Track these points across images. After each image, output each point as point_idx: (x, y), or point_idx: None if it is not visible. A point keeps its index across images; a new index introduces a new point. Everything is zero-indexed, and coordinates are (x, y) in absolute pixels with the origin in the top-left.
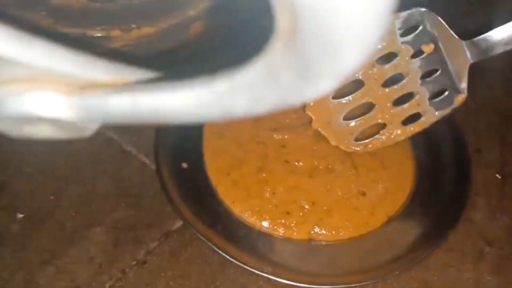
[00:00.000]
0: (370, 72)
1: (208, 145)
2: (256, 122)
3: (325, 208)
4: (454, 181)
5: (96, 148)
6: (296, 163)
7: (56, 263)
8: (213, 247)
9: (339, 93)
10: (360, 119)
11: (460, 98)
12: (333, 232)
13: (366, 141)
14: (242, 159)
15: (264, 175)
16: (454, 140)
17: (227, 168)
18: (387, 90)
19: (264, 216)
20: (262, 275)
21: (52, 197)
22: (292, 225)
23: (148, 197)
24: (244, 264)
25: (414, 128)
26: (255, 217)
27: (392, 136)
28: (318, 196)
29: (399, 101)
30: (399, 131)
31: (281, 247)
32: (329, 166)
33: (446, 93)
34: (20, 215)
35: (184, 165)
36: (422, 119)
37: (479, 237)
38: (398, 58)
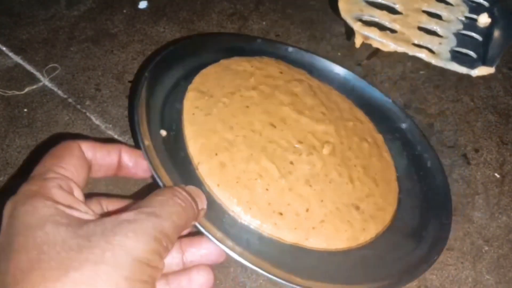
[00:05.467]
0: None
1: (191, 120)
2: (249, 109)
3: (318, 218)
4: (435, 206)
5: None
6: (293, 165)
7: None
8: (198, 227)
9: None
10: (381, 11)
11: (482, 69)
12: (324, 244)
13: (371, 27)
14: (233, 143)
15: (257, 167)
16: (434, 165)
17: (214, 148)
18: (423, 12)
19: (252, 209)
20: (262, 274)
21: None
22: (284, 227)
23: None
24: (227, 248)
25: (420, 52)
26: (243, 207)
27: (395, 41)
28: (314, 204)
29: (425, 31)
30: (404, 44)
31: (264, 242)
32: (327, 175)
33: (474, 56)
34: None
35: (163, 132)
36: (434, 55)
37: (478, 236)
38: (453, 6)
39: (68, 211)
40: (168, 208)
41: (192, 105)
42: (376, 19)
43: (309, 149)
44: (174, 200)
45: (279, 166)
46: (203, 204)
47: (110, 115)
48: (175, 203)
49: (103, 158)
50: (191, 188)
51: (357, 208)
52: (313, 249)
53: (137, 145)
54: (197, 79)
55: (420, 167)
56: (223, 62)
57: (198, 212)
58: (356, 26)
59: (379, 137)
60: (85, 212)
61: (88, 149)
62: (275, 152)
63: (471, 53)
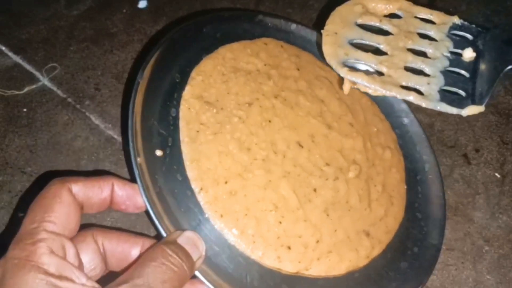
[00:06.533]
0: (405, 28)
1: (194, 138)
2: (271, 124)
3: (327, 248)
4: (428, 220)
5: (96, 147)
6: (316, 192)
7: None
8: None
9: (367, 22)
10: (367, 53)
11: (472, 108)
12: (324, 273)
13: (358, 73)
14: (248, 167)
15: (275, 197)
16: (433, 170)
17: (224, 174)
18: (408, 51)
19: (257, 242)
20: None
21: None
22: (287, 261)
23: None
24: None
25: (409, 95)
26: (245, 240)
27: (383, 86)
28: (326, 235)
29: (413, 71)
30: (392, 87)
31: (261, 273)
32: (348, 202)
33: (463, 95)
34: (21, 214)
35: (159, 152)
36: (423, 96)
37: (479, 236)
38: (437, 42)
39: (59, 283)
40: (161, 276)
41: (196, 119)
42: (362, 63)
43: (336, 173)
44: (167, 266)
45: (300, 194)
46: (201, 251)
47: (109, 115)
48: (167, 268)
49: (96, 196)
50: (187, 236)
51: (368, 234)
52: (309, 277)
53: (129, 166)
54: (197, 82)
55: (417, 171)
56: (222, 51)
57: (194, 265)
58: (343, 72)
59: (394, 137)
60: (78, 280)
61: (80, 190)
62: (299, 178)
63: (460, 91)
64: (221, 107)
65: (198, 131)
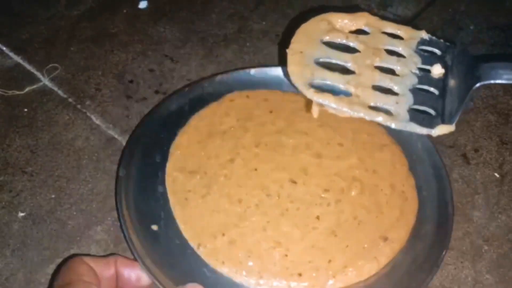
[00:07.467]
0: (373, 44)
1: (184, 204)
2: (258, 172)
3: (341, 264)
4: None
5: (97, 147)
6: (319, 220)
7: (57, 262)
8: None
9: (334, 39)
10: (333, 73)
11: (442, 128)
12: (341, 286)
13: (324, 94)
14: (243, 216)
15: (276, 234)
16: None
17: (219, 228)
18: (376, 69)
19: (264, 277)
20: None
21: (53, 196)
22: (299, 286)
23: None
24: None
25: (377, 116)
26: (253, 277)
27: (350, 107)
28: (337, 253)
29: (381, 89)
30: (360, 108)
31: None
32: (356, 218)
33: (433, 113)
34: (21, 214)
35: (154, 227)
36: (392, 117)
37: (478, 235)
38: (405, 59)
39: None
40: None
41: (182, 188)
42: (329, 82)
43: (337, 195)
44: None
45: (302, 226)
46: None
47: (110, 115)
48: None
49: (107, 272)
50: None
51: (385, 239)
52: None
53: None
54: (176, 156)
55: (412, 151)
56: (193, 123)
57: None
58: (309, 94)
59: (383, 129)
60: None
61: (95, 266)
62: (298, 212)
63: (430, 110)
64: (205, 172)
65: (186, 198)
